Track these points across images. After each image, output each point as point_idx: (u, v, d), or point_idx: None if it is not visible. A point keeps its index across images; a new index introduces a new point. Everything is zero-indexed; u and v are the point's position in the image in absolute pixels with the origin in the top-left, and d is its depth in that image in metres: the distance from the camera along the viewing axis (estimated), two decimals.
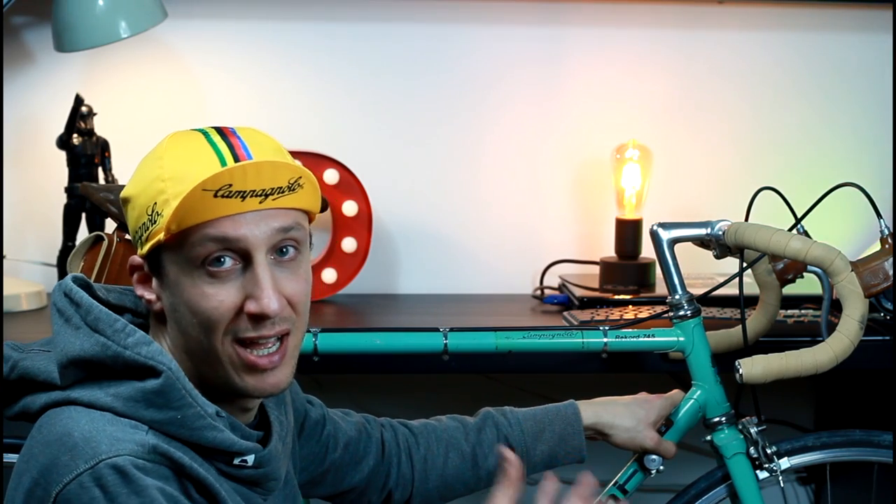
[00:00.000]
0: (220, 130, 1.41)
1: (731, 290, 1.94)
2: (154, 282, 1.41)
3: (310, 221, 1.43)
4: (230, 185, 1.34)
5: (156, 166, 1.39)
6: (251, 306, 1.37)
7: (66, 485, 1.30)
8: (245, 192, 1.34)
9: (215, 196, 1.34)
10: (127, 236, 1.98)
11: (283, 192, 1.37)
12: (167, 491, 1.31)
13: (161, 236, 1.36)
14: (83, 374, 1.39)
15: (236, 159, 1.37)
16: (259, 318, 1.37)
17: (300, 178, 1.38)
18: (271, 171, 1.36)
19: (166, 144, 1.41)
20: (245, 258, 1.37)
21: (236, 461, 1.41)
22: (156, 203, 1.37)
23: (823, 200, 1.88)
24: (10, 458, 1.86)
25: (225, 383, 1.40)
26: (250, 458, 1.42)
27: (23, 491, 1.33)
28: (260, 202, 1.36)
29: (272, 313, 1.37)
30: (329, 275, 2.41)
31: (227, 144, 1.38)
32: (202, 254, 1.36)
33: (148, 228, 1.38)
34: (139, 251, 1.41)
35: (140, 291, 1.43)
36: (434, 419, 1.84)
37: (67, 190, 2.33)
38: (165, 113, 2.50)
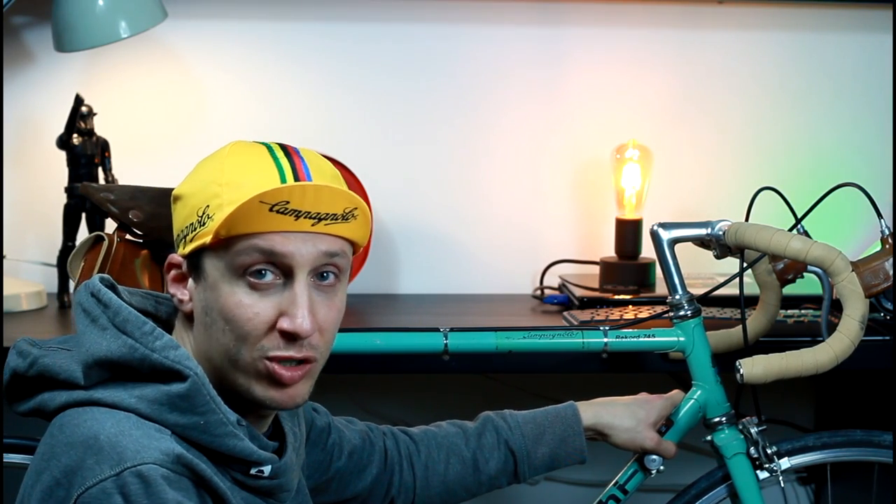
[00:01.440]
0: (283, 147, 1.42)
1: (732, 290, 1.94)
2: (189, 282, 1.42)
3: (354, 252, 1.45)
4: (287, 203, 1.35)
5: (215, 170, 1.40)
6: (284, 324, 1.38)
7: (88, 488, 1.30)
8: (300, 211, 1.36)
9: (271, 210, 1.35)
10: (128, 236, 1.98)
11: (336, 219, 1.38)
12: None
13: (208, 239, 1.37)
14: (107, 374, 1.39)
15: (296, 178, 1.38)
16: (290, 337, 1.38)
17: (356, 209, 1.40)
18: (330, 196, 1.37)
19: (228, 151, 1.42)
20: (287, 275, 1.38)
21: (253, 471, 1.42)
22: (208, 206, 1.38)
23: (824, 200, 1.88)
24: (10, 458, 1.86)
25: (246, 391, 1.41)
26: (267, 469, 1.43)
27: (42, 489, 1.33)
28: (312, 224, 1.37)
29: (304, 333, 1.38)
30: None
31: (290, 162, 1.40)
32: (246, 263, 1.37)
33: (195, 229, 1.39)
34: (180, 250, 1.42)
35: (173, 290, 1.44)
36: (434, 425, 1.84)
37: (67, 190, 2.33)
38: (165, 113, 2.50)
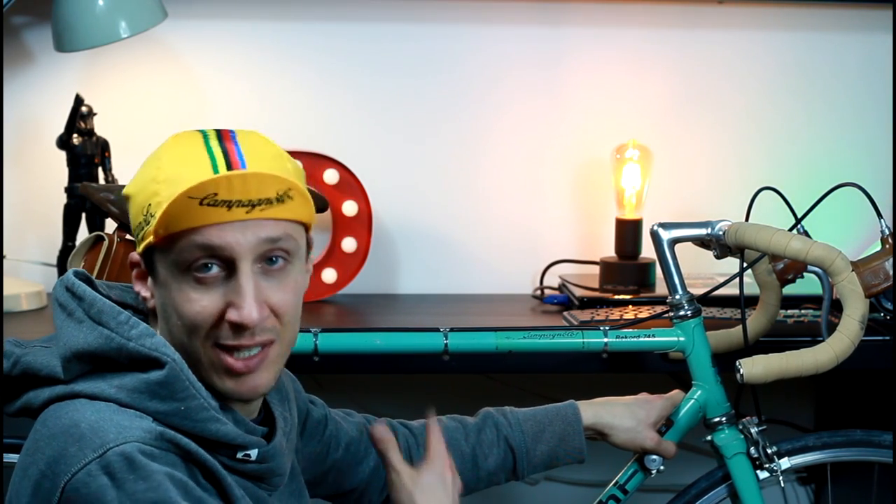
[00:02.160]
0: (219, 134, 1.40)
1: (732, 290, 1.94)
2: (149, 280, 1.42)
3: (307, 230, 1.43)
4: (215, 195, 1.34)
5: (154, 167, 1.40)
6: (232, 315, 1.37)
7: (74, 474, 1.30)
8: (231, 201, 1.34)
9: (200, 204, 1.34)
10: (128, 236, 1.98)
11: (270, 203, 1.36)
12: (175, 476, 1.31)
13: (151, 238, 1.37)
14: (87, 367, 1.39)
15: (229, 166, 1.36)
16: (238, 328, 1.37)
17: (289, 189, 1.37)
18: (258, 183, 1.35)
19: (167, 145, 1.42)
20: (230, 266, 1.37)
21: (240, 455, 1.42)
22: (150, 204, 1.38)
23: (824, 200, 1.88)
24: (10, 458, 1.86)
25: (210, 384, 1.41)
26: (254, 453, 1.42)
27: (29, 484, 1.34)
28: (247, 212, 1.35)
29: (251, 323, 1.37)
30: (329, 275, 2.40)
31: (223, 150, 1.38)
32: (188, 259, 1.36)
33: (143, 228, 1.39)
34: (137, 249, 1.42)
35: (137, 287, 1.44)
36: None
37: (67, 190, 2.33)
38: (165, 113, 2.50)
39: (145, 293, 1.43)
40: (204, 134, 1.41)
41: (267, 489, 1.47)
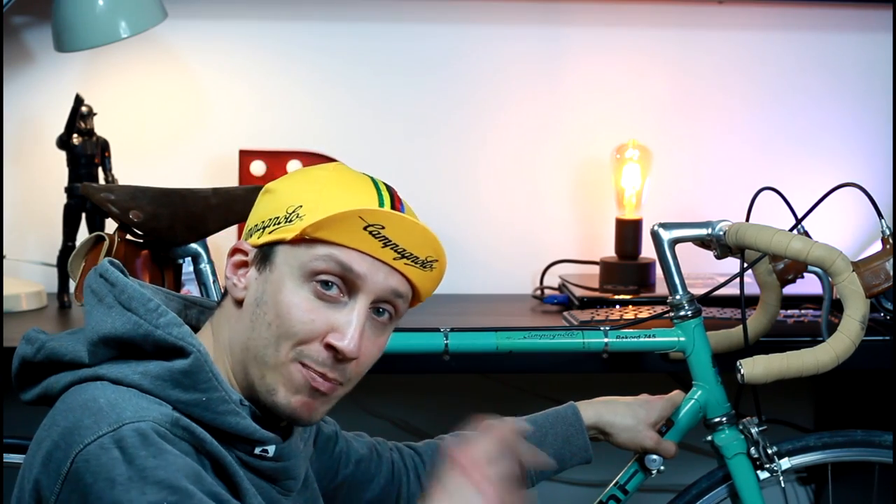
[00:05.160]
0: (384, 182, 1.45)
1: (732, 290, 1.94)
2: (251, 271, 1.43)
3: (412, 304, 1.46)
4: (382, 227, 1.37)
5: (318, 179, 1.43)
6: (333, 339, 1.38)
7: (86, 445, 1.30)
8: (389, 240, 1.38)
9: (365, 228, 1.37)
10: (128, 236, 1.98)
11: (416, 262, 1.41)
12: (186, 459, 1.31)
13: (289, 235, 1.39)
14: (112, 352, 1.39)
15: (393, 208, 1.41)
16: (334, 353, 1.39)
17: (436, 261, 1.42)
18: (421, 237, 1.39)
19: (333, 167, 1.46)
20: (351, 294, 1.39)
21: (257, 450, 1.42)
22: (301, 206, 1.40)
23: (824, 201, 1.88)
24: (10, 458, 1.86)
25: (267, 392, 1.41)
26: (271, 449, 1.43)
27: (42, 455, 1.34)
28: (394, 258, 1.39)
29: (350, 354, 1.39)
30: None
31: (390, 193, 1.42)
32: (319, 269, 1.38)
33: (279, 223, 1.41)
34: (253, 239, 1.43)
35: (230, 273, 1.45)
36: (437, 438, 1.84)
37: (67, 190, 2.33)
38: (165, 113, 2.50)
39: (239, 282, 1.43)
40: (368, 175, 1.45)
41: (281, 492, 1.47)
